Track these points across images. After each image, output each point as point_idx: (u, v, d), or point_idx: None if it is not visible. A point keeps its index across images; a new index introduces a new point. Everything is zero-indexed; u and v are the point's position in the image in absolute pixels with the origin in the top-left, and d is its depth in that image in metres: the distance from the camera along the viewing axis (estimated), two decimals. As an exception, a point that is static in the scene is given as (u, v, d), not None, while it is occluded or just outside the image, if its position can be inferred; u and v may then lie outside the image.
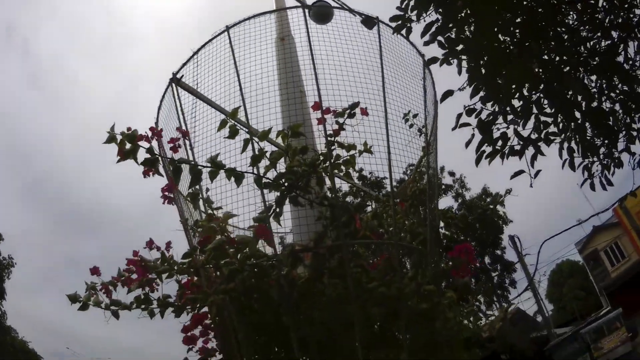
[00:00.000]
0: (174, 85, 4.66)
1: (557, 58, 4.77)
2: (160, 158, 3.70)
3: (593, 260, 38.80)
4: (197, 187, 3.86)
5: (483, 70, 4.19)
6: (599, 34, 5.06)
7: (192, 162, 3.64)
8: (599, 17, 4.97)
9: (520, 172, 4.95)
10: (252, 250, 3.33)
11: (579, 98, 4.98)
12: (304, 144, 3.81)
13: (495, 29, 4.32)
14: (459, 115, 4.53)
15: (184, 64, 4.71)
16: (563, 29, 4.86)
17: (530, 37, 4.43)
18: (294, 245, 3.51)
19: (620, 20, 4.99)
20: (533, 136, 5.04)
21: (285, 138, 3.57)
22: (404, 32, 4.65)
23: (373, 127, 4.26)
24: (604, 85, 5.21)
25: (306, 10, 5.76)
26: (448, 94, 4.44)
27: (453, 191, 32.05)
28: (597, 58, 5.05)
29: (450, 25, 4.36)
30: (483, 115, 4.63)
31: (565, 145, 5.28)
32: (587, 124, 5.15)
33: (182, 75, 4.67)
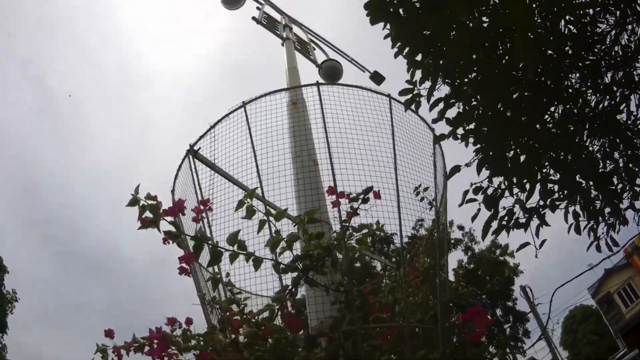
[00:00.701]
0: (190, 157, 4.82)
1: (562, 129, 4.90)
2: (181, 231, 3.81)
3: (607, 303, 38.62)
4: (217, 269, 3.97)
5: (490, 153, 4.32)
6: (601, 93, 5.19)
7: (213, 242, 3.76)
8: (602, 74, 5.11)
9: (526, 244, 5.06)
10: (280, 340, 3.45)
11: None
12: (319, 225, 3.93)
13: (500, 106, 4.45)
14: (466, 192, 4.66)
15: (201, 137, 4.88)
16: (568, 93, 4.99)
17: (536, 113, 4.55)
18: (311, 330, 3.63)
19: (621, 75, 5.12)
20: (537, 203, 5.14)
21: (301, 224, 3.70)
22: (413, 106, 4.78)
23: (385, 199, 4.40)
24: (607, 147, 5.33)
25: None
26: (455, 170, 4.57)
27: (463, 245, 32.27)
28: (600, 119, 5.17)
29: (456, 101, 4.49)
30: (489, 189, 4.76)
31: (571, 208, 5.38)
32: (591, 187, 5.25)
33: (200, 148, 4.83)
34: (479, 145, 4.37)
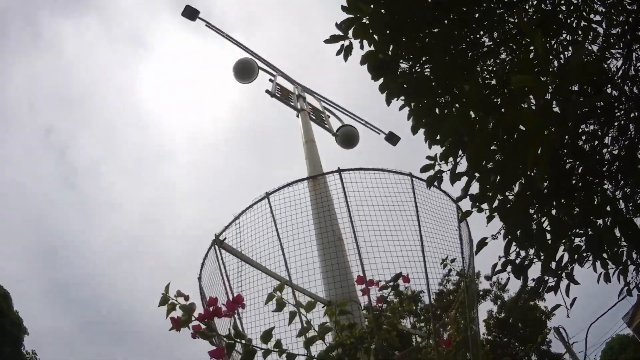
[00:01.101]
0: (216, 247, 4.85)
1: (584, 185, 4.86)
2: (215, 332, 3.79)
3: None
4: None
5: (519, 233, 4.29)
6: (617, 135, 5.17)
7: (246, 339, 3.74)
8: (615, 116, 5.09)
9: (557, 306, 4.98)
10: None
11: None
12: (350, 310, 3.90)
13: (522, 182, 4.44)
14: (494, 266, 4.62)
15: (226, 227, 4.92)
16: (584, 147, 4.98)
17: (557, 191, 4.53)
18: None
19: (637, 114, 5.10)
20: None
21: (332, 315, 3.68)
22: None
23: (411, 266, 4.38)
24: (629, 190, 5.28)
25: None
26: (482, 244, 4.53)
27: (492, 295, 31.85)
28: (618, 163, 5.14)
29: (477, 175, 4.49)
30: (518, 259, 4.71)
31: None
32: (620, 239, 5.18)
33: (225, 238, 4.86)
34: (504, 219, 4.34)
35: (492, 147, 3.46)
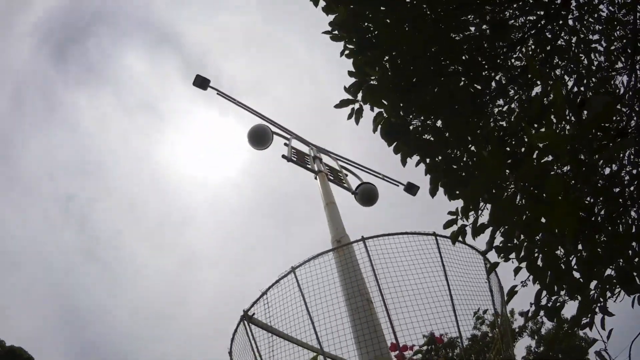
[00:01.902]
0: (246, 322, 4.83)
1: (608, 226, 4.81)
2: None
3: None
4: None
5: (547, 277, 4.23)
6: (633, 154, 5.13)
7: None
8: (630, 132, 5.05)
9: (594, 341, 4.86)
10: None
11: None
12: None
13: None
14: (527, 312, 4.54)
15: (254, 303, 4.92)
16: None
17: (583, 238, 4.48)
18: None
19: None
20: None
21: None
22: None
23: (443, 322, 4.32)
24: None
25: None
26: (512, 293, 4.47)
27: (528, 330, 31.14)
28: (637, 182, 5.09)
29: (501, 230, 4.45)
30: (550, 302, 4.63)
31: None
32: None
33: (254, 314, 4.85)
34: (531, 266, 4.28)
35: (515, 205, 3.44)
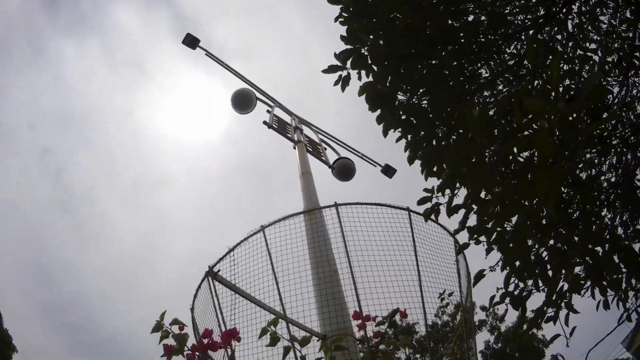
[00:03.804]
0: (210, 279, 4.77)
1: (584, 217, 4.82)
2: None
3: None
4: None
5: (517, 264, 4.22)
6: (614, 163, 5.15)
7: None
8: (613, 147, 5.07)
9: (557, 336, 4.90)
10: None
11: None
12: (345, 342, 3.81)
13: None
14: (492, 298, 4.55)
15: (220, 259, 4.85)
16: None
17: (557, 222, 4.48)
18: None
19: (632, 139, 5.08)
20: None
21: (327, 352, 3.58)
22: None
23: (408, 300, 4.30)
24: (627, 219, 5.24)
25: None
26: (479, 277, 4.46)
27: (488, 325, 31.61)
28: (616, 190, 5.11)
29: (475, 207, 4.42)
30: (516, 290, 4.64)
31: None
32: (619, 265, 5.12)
33: (219, 270, 4.78)
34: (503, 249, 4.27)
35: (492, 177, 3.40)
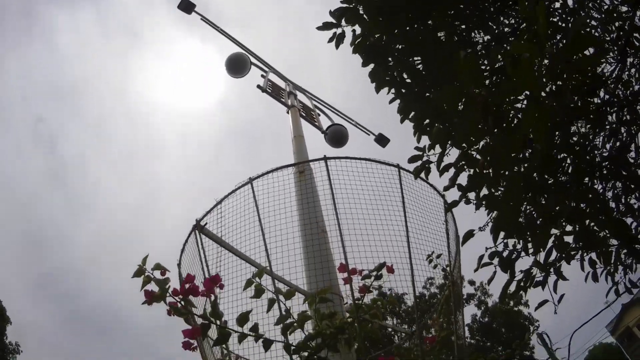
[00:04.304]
0: (197, 232, 4.72)
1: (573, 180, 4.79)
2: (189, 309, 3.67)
3: (627, 338, 38.28)
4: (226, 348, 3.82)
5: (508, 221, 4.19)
6: (608, 137, 5.12)
7: (222, 322, 3.61)
8: (606, 117, 5.04)
9: (545, 302, 4.90)
10: None
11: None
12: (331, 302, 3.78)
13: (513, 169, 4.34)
14: (481, 257, 4.52)
15: (207, 212, 4.80)
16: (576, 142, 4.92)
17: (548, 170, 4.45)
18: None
19: (626, 113, 5.05)
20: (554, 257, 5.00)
21: (312, 304, 3.55)
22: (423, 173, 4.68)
23: (396, 262, 4.27)
24: (620, 192, 5.22)
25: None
26: (468, 235, 4.43)
27: (475, 299, 31.84)
28: (610, 162, 5.09)
29: (466, 166, 4.39)
30: (505, 252, 4.62)
31: (587, 256, 5.23)
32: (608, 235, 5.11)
33: (206, 223, 4.74)
34: (491, 206, 4.24)
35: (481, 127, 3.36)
